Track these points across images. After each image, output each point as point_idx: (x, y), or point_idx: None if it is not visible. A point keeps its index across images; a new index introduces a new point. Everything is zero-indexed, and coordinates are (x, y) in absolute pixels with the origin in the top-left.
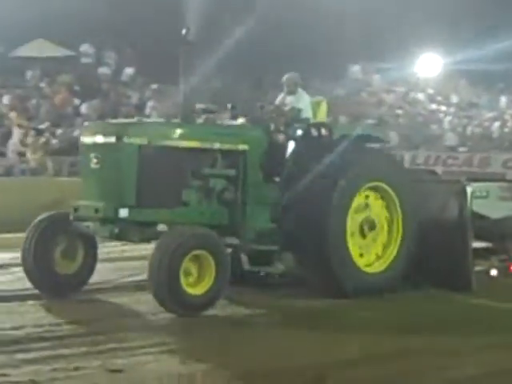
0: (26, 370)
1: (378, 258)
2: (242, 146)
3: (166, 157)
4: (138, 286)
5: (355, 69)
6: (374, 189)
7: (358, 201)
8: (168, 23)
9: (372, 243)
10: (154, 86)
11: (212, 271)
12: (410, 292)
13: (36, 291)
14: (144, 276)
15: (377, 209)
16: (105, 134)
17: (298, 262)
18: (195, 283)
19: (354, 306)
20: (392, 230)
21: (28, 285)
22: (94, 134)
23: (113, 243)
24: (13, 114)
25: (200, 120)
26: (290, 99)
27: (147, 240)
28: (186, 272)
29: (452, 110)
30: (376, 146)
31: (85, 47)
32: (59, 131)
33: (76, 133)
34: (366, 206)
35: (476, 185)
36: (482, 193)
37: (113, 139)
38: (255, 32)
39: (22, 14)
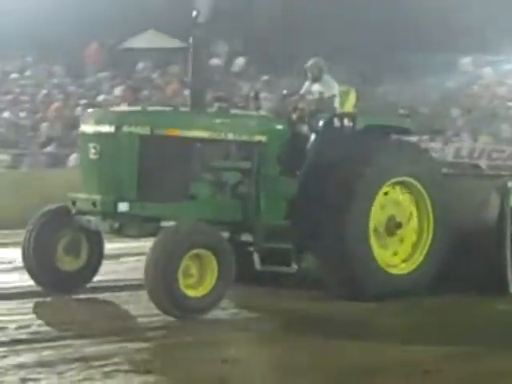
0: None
1: (406, 258)
2: (260, 138)
3: (172, 147)
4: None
5: (466, 61)
6: (402, 184)
7: (383, 196)
8: (280, 13)
9: (399, 242)
10: (265, 77)
11: (214, 272)
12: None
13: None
14: None
15: (405, 206)
16: (103, 123)
17: (315, 261)
18: (196, 284)
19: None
20: (422, 229)
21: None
22: (93, 122)
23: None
24: (124, 105)
25: (212, 109)
26: (316, 87)
27: (150, 236)
28: (185, 272)
29: None
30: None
31: None
32: None
33: None
34: (394, 202)
35: None
36: None
37: (112, 128)
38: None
39: (133, 6)
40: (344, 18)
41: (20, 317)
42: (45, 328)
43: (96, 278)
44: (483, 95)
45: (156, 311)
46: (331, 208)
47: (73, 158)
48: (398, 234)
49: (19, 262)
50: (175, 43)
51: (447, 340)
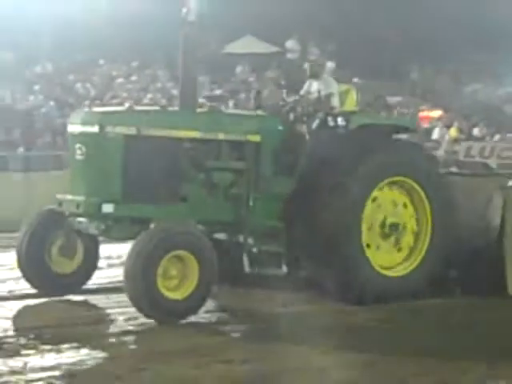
0: None
1: (403, 261)
2: (253, 137)
3: (160, 148)
4: None
5: None
6: (399, 185)
7: (378, 197)
8: (370, 20)
9: (395, 244)
10: (355, 80)
11: (195, 274)
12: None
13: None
14: None
15: (402, 208)
16: (88, 124)
17: (306, 263)
18: (176, 287)
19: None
20: (420, 230)
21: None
22: (79, 123)
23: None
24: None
25: (202, 109)
26: (315, 86)
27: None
28: (164, 275)
29: None
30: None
31: (291, 44)
32: None
33: None
34: (391, 203)
35: None
36: None
37: (95, 128)
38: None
39: (232, 13)
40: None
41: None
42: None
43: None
44: None
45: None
46: (323, 209)
47: None
48: (395, 235)
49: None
50: (271, 48)
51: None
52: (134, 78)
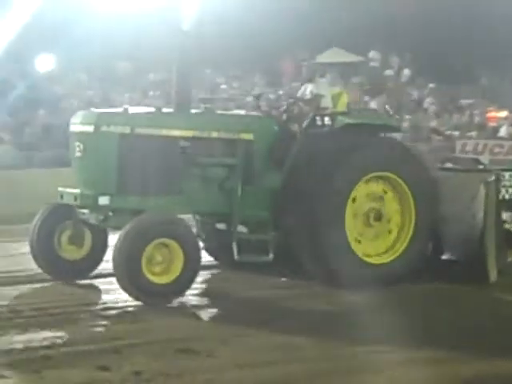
0: None
1: (386, 250)
2: (246, 136)
3: (153, 146)
4: None
5: None
6: (384, 180)
7: (365, 191)
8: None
9: (380, 234)
10: (431, 85)
11: (180, 261)
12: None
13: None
14: None
15: (388, 201)
16: (85, 123)
17: (293, 250)
18: (162, 272)
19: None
20: (404, 222)
21: None
22: (78, 122)
23: None
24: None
25: (197, 110)
26: (309, 88)
27: None
28: (150, 260)
29: None
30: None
31: (372, 54)
32: None
33: None
34: (376, 197)
35: None
36: None
37: (91, 128)
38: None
39: (318, 27)
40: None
41: None
42: None
43: None
44: None
45: None
46: (307, 201)
47: None
48: (378, 225)
49: None
50: (355, 58)
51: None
52: (235, 84)
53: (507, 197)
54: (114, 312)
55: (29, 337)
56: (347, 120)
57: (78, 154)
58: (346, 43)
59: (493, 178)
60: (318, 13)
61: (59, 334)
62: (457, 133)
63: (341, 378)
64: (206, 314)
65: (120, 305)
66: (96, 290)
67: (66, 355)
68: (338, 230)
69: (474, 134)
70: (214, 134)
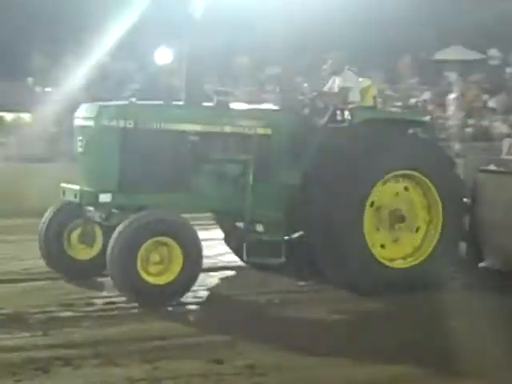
0: None
1: (412, 253)
2: (263, 131)
3: (159, 141)
4: None
5: None
6: (407, 177)
7: (384, 190)
8: None
9: (405, 236)
10: None
11: (179, 261)
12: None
13: None
14: None
15: (412, 197)
16: (87, 117)
17: (309, 253)
18: (160, 272)
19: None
20: (431, 223)
21: None
22: (80, 116)
23: None
24: (431, 107)
25: (210, 103)
26: (337, 81)
27: None
28: (147, 260)
29: None
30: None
31: (492, 52)
32: (470, 121)
33: (485, 122)
34: (400, 196)
35: None
36: None
37: (92, 122)
38: None
39: (440, 23)
40: None
41: None
42: None
43: None
44: None
45: None
46: (323, 200)
47: None
48: (402, 227)
49: None
50: (475, 55)
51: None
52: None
53: None
54: None
55: (139, 327)
56: (367, 115)
57: (79, 149)
58: (465, 41)
59: None
60: (438, 11)
61: (171, 325)
62: None
63: None
64: None
65: None
66: None
67: (179, 347)
68: (356, 232)
69: None
70: (227, 129)
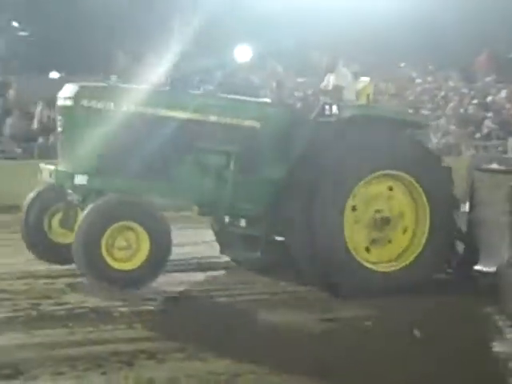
0: None
1: (399, 255)
2: (251, 123)
3: (139, 125)
4: None
5: None
6: (391, 176)
7: (366, 195)
8: None
9: (391, 239)
10: None
11: (146, 247)
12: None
13: None
14: None
15: (397, 196)
16: (66, 97)
17: (287, 250)
18: (127, 258)
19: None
20: (418, 225)
21: None
22: (61, 96)
23: None
24: (509, 105)
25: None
26: (332, 79)
27: None
28: (112, 244)
29: None
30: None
31: None
32: None
33: None
34: (384, 197)
35: None
36: None
37: (71, 102)
38: None
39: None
40: None
41: None
42: None
43: None
44: None
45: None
46: (303, 196)
47: None
48: (388, 229)
49: None
50: None
51: None
52: (429, 78)
53: None
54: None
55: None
56: (355, 111)
57: (59, 129)
58: None
59: None
60: None
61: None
62: None
63: None
64: None
65: None
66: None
67: None
68: (337, 232)
69: None
70: (213, 118)
